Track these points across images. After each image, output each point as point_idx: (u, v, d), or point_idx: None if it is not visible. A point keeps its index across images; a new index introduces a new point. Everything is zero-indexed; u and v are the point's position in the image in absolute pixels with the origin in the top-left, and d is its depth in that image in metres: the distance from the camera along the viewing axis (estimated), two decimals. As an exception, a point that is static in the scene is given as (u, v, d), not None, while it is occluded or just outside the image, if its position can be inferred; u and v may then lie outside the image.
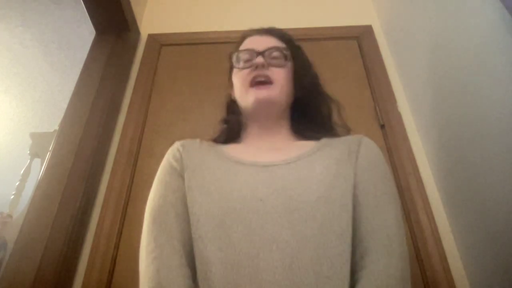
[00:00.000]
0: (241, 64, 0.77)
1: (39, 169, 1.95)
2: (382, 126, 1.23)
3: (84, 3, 1.32)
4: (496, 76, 0.78)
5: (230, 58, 0.81)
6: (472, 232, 0.92)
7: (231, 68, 0.83)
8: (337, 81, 1.34)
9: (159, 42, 1.49)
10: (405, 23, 1.28)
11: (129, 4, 1.40)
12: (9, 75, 2.37)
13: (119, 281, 0.99)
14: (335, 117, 0.83)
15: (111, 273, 0.99)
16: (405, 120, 1.24)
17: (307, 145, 0.72)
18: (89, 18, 1.37)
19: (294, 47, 0.82)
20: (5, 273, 0.91)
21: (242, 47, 0.81)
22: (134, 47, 1.46)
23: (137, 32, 1.49)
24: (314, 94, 0.81)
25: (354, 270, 0.56)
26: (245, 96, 0.75)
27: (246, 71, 0.75)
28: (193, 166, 0.68)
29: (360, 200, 0.62)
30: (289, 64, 0.77)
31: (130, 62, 1.42)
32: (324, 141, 0.73)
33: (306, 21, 1.52)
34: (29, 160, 2.26)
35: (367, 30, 1.48)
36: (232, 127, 0.82)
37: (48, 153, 1.12)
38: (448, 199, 1.05)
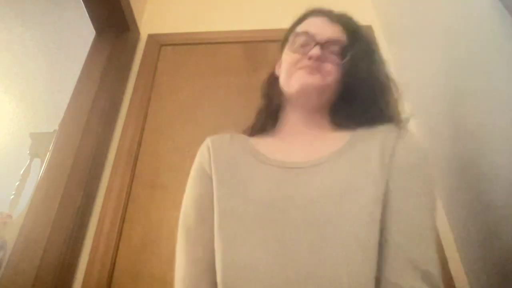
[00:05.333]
0: (295, 47, 0.72)
1: (39, 169, 1.95)
2: (382, 126, 1.22)
3: (84, 3, 1.32)
4: (496, 77, 0.78)
5: (287, 35, 0.77)
6: (472, 233, 0.92)
7: (283, 44, 0.78)
8: (337, 81, 1.34)
9: (159, 42, 1.48)
10: (405, 23, 1.28)
11: (129, 4, 1.40)
12: (9, 75, 2.37)
13: (119, 281, 0.99)
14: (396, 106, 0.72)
15: (111, 273, 0.99)
16: (405, 120, 1.23)
17: (340, 139, 0.67)
18: (89, 18, 1.37)
19: (356, 37, 0.73)
20: (5, 273, 0.91)
21: (302, 28, 0.75)
22: (134, 47, 1.46)
23: (137, 32, 1.49)
24: (368, 81, 0.70)
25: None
26: (289, 78, 0.71)
27: (298, 56, 0.70)
28: (220, 166, 0.67)
29: (389, 215, 0.55)
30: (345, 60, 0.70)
31: (130, 62, 1.42)
32: (360, 133, 0.67)
33: (306, 21, 1.52)
34: (29, 160, 2.26)
35: (367, 30, 1.48)
36: (271, 104, 0.79)
37: (48, 153, 1.12)
38: (448, 199, 1.05)
